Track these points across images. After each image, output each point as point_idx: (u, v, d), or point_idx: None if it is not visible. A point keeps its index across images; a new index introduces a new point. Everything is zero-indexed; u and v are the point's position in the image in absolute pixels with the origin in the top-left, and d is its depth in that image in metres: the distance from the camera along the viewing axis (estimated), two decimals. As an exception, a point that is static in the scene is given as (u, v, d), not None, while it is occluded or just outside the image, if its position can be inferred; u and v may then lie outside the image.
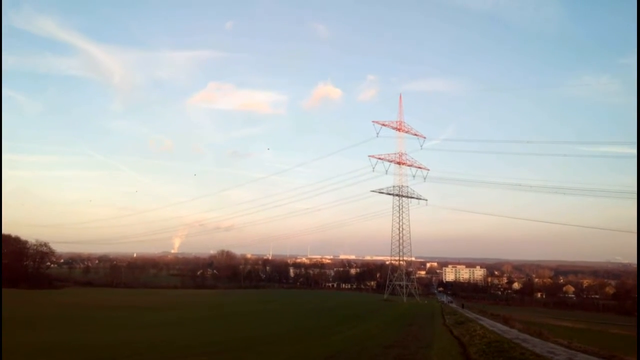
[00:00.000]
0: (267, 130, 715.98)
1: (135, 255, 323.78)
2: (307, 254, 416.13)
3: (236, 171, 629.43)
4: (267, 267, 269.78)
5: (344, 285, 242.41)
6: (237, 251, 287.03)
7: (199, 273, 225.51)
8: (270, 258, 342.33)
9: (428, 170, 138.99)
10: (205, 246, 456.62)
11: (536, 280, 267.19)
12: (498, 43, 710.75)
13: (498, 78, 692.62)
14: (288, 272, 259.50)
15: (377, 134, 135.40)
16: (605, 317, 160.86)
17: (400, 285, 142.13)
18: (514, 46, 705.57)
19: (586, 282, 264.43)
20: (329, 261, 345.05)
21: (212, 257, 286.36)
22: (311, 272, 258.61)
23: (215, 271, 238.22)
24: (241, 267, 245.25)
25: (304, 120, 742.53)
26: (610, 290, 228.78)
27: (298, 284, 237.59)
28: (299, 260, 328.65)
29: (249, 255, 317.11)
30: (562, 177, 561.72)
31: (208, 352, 24.39)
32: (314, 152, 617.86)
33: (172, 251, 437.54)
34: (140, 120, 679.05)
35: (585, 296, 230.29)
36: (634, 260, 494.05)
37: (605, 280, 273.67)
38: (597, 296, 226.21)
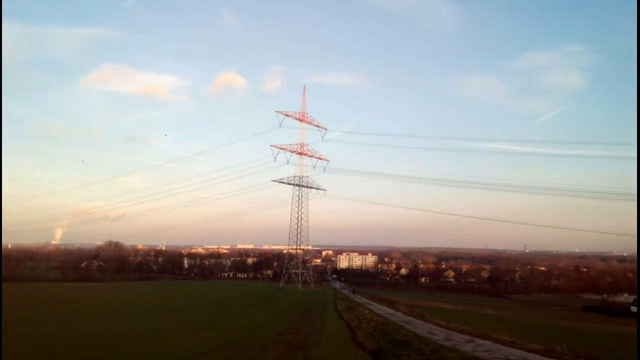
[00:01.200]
0: (167, 116, 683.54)
1: (10, 246, 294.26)
2: (204, 244, 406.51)
3: (131, 157, 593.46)
4: (160, 258, 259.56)
5: (240, 275, 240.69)
6: (128, 242, 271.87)
7: (83, 265, 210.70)
8: (163, 249, 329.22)
9: (328, 161, 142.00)
10: (92, 237, 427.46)
11: (421, 266, 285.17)
12: (401, 41, 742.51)
13: (400, 75, 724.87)
14: (182, 262, 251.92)
15: (280, 124, 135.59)
16: (479, 298, 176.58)
17: (296, 273, 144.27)
18: (415, 45, 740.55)
19: (465, 267, 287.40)
20: (226, 251, 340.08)
21: (99, 248, 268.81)
22: (207, 262, 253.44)
23: (101, 263, 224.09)
24: (131, 258, 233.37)
25: (206, 107, 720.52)
26: (485, 274, 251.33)
27: (192, 275, 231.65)
28: (194, 251, 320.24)
29: (140, 246, 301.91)
30: (451, 171, 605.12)
31: (88, 347, 22.86)
32: (215, 140, 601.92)
33: (53, 242, 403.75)
34: (25, 101, 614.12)
35: (463, 280, 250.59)
36: (507, 247, 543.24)
37: (481, 265, 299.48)
38: (473, 280, 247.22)
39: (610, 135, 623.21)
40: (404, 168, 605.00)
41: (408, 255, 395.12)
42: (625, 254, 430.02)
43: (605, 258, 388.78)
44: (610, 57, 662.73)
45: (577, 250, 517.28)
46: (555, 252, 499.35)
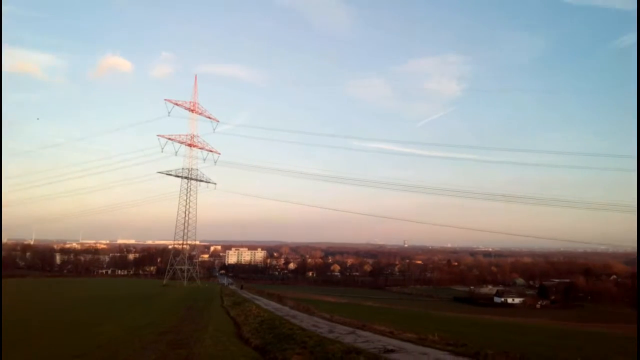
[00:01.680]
0: (41, 98, 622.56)
1: None
2: (79, 239, 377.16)
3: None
4: (28, 254, 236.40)
5: (120, 271, 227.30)
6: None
7: None
8: (32, 243, 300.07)
9: (219, 154, 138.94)
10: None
11: (309, 260, 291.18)
12: (298, 39, 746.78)
13: (295, 72, 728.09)
14: (53, 258, 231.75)
15: (169, 113, 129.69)
16: (362, 291, 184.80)
17: (181, 269, 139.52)
18: (313, 44, 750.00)
19: (350, 261, 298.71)
20: (104, 246, 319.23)
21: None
22: (82, 258, 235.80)
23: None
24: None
25: (87, 91, 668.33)
26: (368, 268, 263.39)
27: (65, 271, 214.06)
28: (67, 246, 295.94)
29: (5, 240, 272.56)
30: (340, 168, 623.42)
31: None
32: (95, 127, 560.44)
33: None
34: None
35: (348, 274, 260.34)
36: (389, 242, 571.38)
37: (365, 259, 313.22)
38: (357, 273, 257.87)
39: (482, 140, 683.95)
40: (295, 164, 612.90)
41: (297, 250, 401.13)
42: (490, 249, 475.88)
43: (473, 253, 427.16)
44: (485, 68, 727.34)
45: (449, 245, 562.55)
46: (430, 247, 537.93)
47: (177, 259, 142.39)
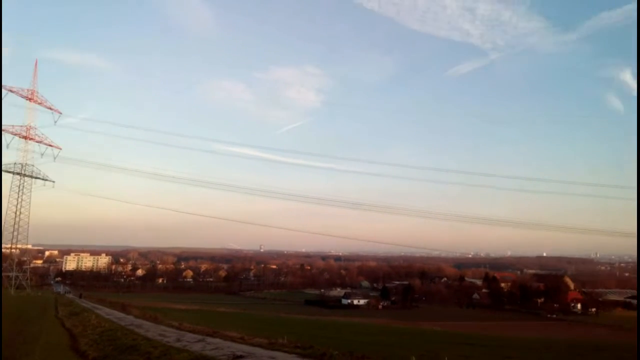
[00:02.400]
0: None
1: None
2: None
3: None
4: None
5: None
6: None
7: None
8: None
9: (60, 149, 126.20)
10: None
11: (160, 266, 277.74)
12: (156, 34, 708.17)
13: (151, 67, 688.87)
14: None
15: (1, 100, 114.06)
16: (216, 297, 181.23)
17: (8, 276, 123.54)
18: (174, 40, 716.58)
19: (204, 267, 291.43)
20: None
21: None
22: None
23: None
24: None
25: None
26: (223, 273, 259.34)
27: None
28: None
29: None
30: (198, 171, 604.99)
31: None
32: None
33: None
34: None
35: (201, 280, 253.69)
36: (245, 247, 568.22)
37: (220, 264, 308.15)
38: (211, 279, 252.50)
39: (336, 150, 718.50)
40: (147, 163, 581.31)
41: (147, 255, 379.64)
42: (340, 254, 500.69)
43: (325, 257, 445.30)
44: (341, 83, 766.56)
45: (303, 250, 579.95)
46: (286, 252, 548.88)
47: (5, 264, 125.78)
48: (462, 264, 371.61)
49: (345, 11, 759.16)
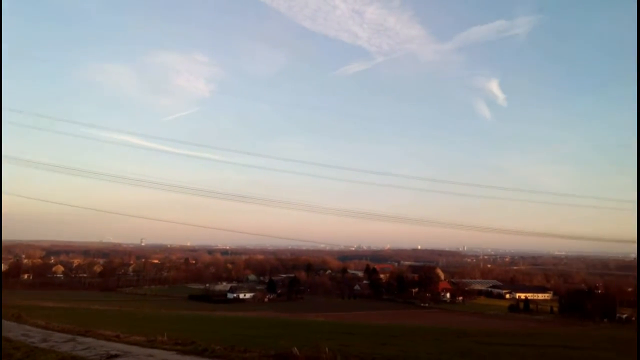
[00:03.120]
0: None
1: None
2: None
3: None
4: None
5: None
6: None
7: None
8: None
9: None
10: None
11: (25, 261, 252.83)
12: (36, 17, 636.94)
13: (23, 42, 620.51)
14: None
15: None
16: (90, 294, 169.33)
17: None
18: (56, 19, 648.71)
19: (76, 262, 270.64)
20: None
21: None
22: None
23: None
24: None
25: None
26: (98, 268, 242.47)
27: None
28: None
29: None
30: (71, 156, 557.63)
31: None
32: None
33: None
34: None
35: (74, 275, 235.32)
36: (125, 240, 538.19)
37: (95, 259, 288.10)
38: (85, 275, 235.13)
39: (225, 142, 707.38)
40: (11, 147, 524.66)
41: (11, 249, 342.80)
42: (228, 247, 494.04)
43: (211, 251, 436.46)
44: (232, 74, 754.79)
45: (189, 243, 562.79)
46: (169, 246, 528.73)
47: None
48: (346, 257, 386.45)
49: (236, 0, 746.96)
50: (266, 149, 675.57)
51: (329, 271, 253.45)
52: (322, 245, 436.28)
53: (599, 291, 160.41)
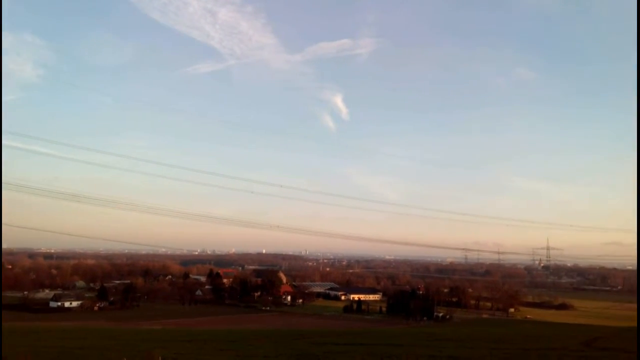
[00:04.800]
0: None
1: None
2: None
3: None
4: None
5: None
6: None
7: None
8: None
9: None
10: None
11: None
12: None
13: None
14: None
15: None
16: None
17: None
18: None
19: None
20: None
21: None
22: None
23: None
24: None
25: None
26: None
27: None
28: None
29: None
30: None
31: None
32: None
33: None
34: None
35: None
36: None
37: None
38: None
39: (56, 134, 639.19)
40: None
41: None
42: (52, 251, 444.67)
43: (32, 255, 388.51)
44: (68, 59, 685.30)
45: (5, 246, 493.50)
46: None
47: None
48: (189, 261, 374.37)
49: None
50: (106, 145, 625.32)
51: (169, 276, 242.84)
52: (163, 250, 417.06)
53: (421, 292, 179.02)
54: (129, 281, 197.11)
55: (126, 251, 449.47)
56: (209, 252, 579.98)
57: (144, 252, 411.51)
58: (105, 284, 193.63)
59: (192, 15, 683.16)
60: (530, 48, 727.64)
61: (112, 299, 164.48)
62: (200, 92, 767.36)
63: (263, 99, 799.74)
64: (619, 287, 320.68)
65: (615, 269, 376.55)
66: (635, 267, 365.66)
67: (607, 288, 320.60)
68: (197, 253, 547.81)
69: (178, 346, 32.13)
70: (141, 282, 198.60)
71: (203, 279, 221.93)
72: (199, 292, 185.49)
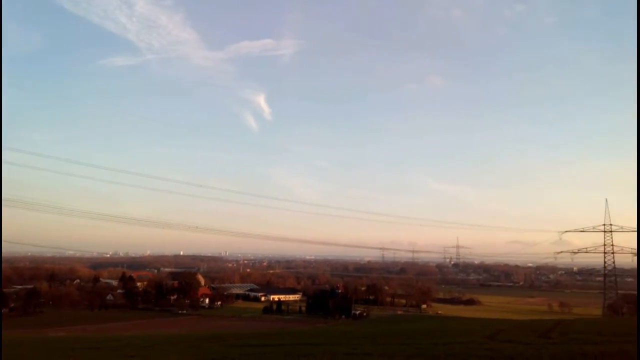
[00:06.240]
0: None
1: None
2: None
3: None
4: None
5: None
6: None
7: None
8: None
9: None
10: None
11: None
12: None
13: None
14: None
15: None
16: None
17: None
18: None
19: None
20: None
21: None
22: None
23: None
24: None
25: None
26: None
27: None
28: None
29: None
30: None
31: None
32: None
33: None
34: None
35: None
36: None
37: None
38: None
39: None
40: None
41: None
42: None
43: None
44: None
45: None
46: None
47: None
48: (100, 265, 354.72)
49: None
50: (8, 140, 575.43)
51: (77, 280, 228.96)
52: (71, 252, 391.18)
53: (340, 291, 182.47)
54: (32, 286, 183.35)
55: (29, 254, 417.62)
56: (122, 254, 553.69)
57: (49, 254, 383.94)
58: (5, 290, 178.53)
59: (106, 6, 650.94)
60: (443, 57, 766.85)
61: (12, 305, 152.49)
62: (116, 86, 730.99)
63: (183, 96, 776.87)
64: (520, 283, 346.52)
65: (517, 266, 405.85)
66: (534, 264, 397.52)
67: (510, 284, 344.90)
68: (108, 255, 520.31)
69: (83, 354, 30.40)
70: (46, 287, 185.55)
71: (115, 282, 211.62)
72: (110, 297, 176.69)
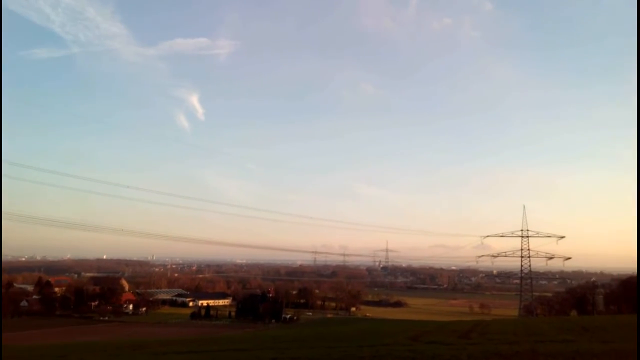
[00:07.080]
0: None
1: None
2: None
3: None
4: None
5: None
6: None
7: None
8: None
9: None
10: None
11: None
12: None
13: None
14: None
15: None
16: None
17: None
18: None
19: None
20: None
21: None
22: None
23: None
24: None
25: None
26: None
27: None
28: None
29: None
30: None
31: None
32: None
33: None
34: None
35: None
36: None
37: None
38: None
39: None
40: None
41: None
42: None
43: None
44: None
45: None
46: None
47: None
48: (14, 269, 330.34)
49: None
50: None
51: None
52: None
53: (271, 295, 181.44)
54: None
55: None
56: (38, 258, 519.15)
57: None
58: None
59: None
60: (375, 67, 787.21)
61: None
62: (37, 79, 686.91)
63: (111, 92, 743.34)
64: (444, 286, 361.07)
65: (442, 269, 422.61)
66: (458, 267, 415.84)
67: (435, 286, 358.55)
68: (24, 259, 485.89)
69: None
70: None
71: (30, 288, 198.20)
72: (24, 303, 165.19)
